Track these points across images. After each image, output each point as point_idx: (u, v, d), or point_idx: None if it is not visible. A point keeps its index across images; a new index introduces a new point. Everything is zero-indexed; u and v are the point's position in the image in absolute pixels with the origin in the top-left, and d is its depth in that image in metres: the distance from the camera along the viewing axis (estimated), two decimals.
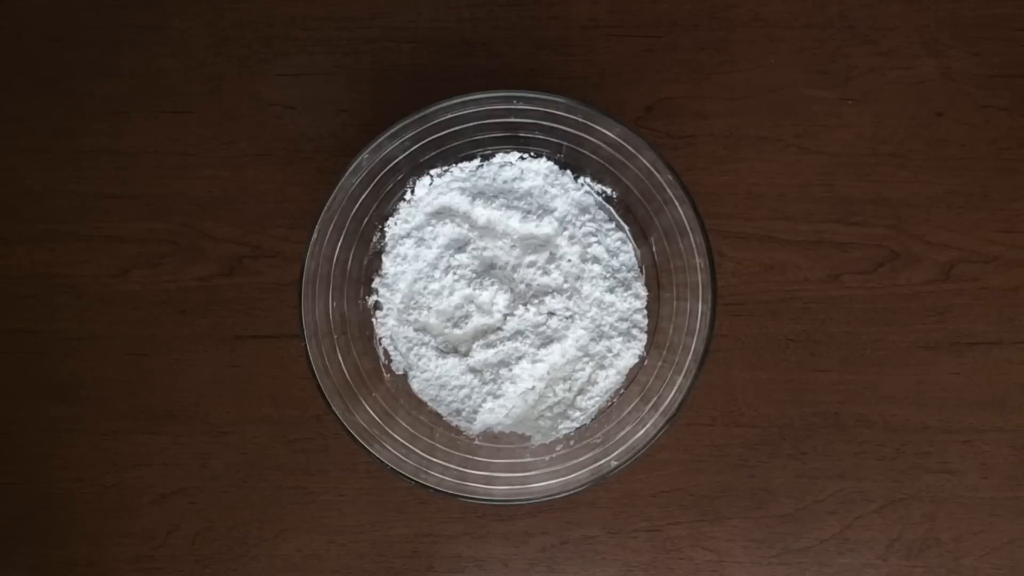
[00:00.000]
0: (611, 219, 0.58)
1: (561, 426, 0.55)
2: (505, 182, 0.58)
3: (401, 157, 0.55)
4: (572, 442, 0.55)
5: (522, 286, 0.56)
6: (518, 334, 0.55)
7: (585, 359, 0.56)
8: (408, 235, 0.57)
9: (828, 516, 0.58)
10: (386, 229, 0.57)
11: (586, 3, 0.61)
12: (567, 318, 0.55)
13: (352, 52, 0.61)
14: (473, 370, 0.55)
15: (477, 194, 0.57)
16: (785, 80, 0.60)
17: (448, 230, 0.57)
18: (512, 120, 0.55)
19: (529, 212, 0.57)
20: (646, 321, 0.57)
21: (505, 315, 0.55)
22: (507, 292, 0.55)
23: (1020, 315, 0.59)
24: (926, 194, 0.60)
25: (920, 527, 0.58)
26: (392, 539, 0.58)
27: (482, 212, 0.57)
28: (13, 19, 0.62)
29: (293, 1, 0.61)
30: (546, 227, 0.57)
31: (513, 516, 0.58)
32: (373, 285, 0.57)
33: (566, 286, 0.56)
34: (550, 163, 0.58)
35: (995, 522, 0.58)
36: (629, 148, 0.53)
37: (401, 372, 0.57)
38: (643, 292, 0.57)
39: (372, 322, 0.57)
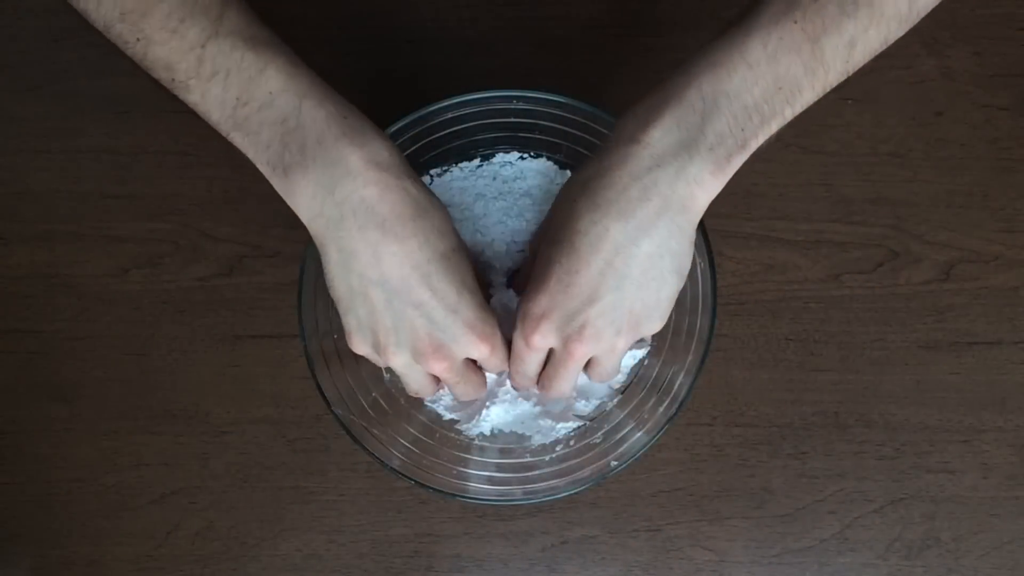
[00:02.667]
0: None
1: (561, 426, 0.55)
2: (505, 182, 0.58)
3: None
4: (572, 442, 0.55)
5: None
6: None
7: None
8: None
9: (828, 516, 0.58)
10: None
11: (586, 3, 0.61)
12: None
13: (352, 52, 0.61)
14: None
15: (477, 194, 0.57)
16: None
17: None
18: (512, 120, 0.55)
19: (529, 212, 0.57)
20: None
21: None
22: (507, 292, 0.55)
23: (1020, 315, 0.59)
24: (926, 194, 0.60)
25: (920, 527, 0.58)
26: (392, 539, 0.58)
27: (482, 212, 0.57)
28: (13, 19, 0.62)
29: (293, 1, 0.61)
30: None
31: (513, 516, 0.58)
32: None
33: None
34: (550, 163, 0.58)
35: (995, 522, 0.58)
36: None
37: None
38: None
39: None
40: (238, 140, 0.44)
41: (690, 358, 0.52)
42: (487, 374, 0.55)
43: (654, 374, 0.55)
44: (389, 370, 0.57)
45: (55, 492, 0.59)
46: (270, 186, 0.60)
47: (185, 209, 0.60)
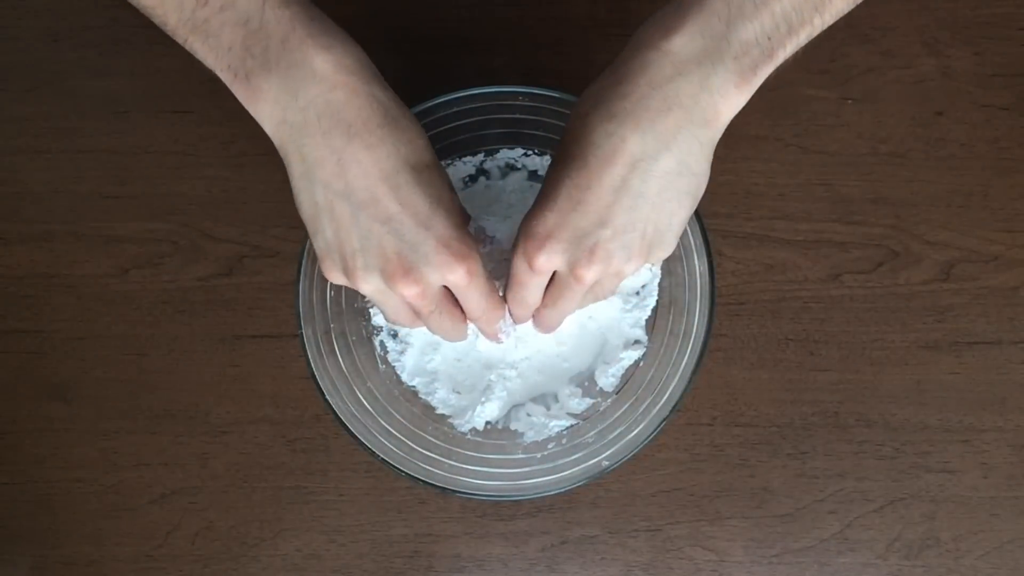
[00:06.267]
0: None
1: (553, 423, 0.55)
2: (509, 177, 0.58)
3: None
4: (564, 440, 0.55)
5: None
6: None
7: (583, 358, 0.56)
8: None
9: (828, 516, 0.58)
10: None
11: (585, 3, 0.61)
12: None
13: None
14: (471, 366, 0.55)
15: (481, 190, 0.58)
16: (785, 79, 0.60)
17: None
18: (515, 116, 0.55)
19: None
20: (644, 321, 0.57)
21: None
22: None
23: (1020, 315, 0.59)
24: (926, 194, 0.60)
25: (920, 527, 0.58)
26: (392, 539, 0.58)
27: (485, 207, 0.57)
28: (13, 19, 0.62)
29: None
30: None
31: (513, 516, 0.58)
32: None
33: None
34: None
35: (995, 522, 0.58)
36: None
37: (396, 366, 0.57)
38: (649, 298, 0.57)
39: (369, 312, 0.57)
40: (197, 45, 0.41)
41: (686, 359, 0.52)
42: (487, 360, 0.54)
43: (650, 374, 0.55)
44: (385, 361, 0.57)
45: (55, 492, 0.59)
46: (270, 186, 0.60)
47: (185, 209, 0.60)
